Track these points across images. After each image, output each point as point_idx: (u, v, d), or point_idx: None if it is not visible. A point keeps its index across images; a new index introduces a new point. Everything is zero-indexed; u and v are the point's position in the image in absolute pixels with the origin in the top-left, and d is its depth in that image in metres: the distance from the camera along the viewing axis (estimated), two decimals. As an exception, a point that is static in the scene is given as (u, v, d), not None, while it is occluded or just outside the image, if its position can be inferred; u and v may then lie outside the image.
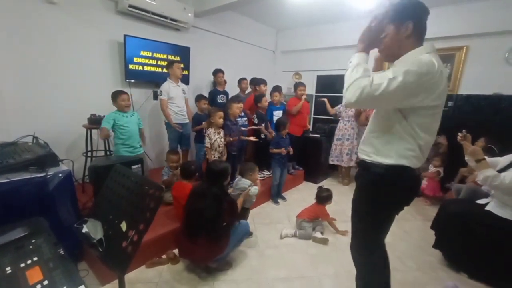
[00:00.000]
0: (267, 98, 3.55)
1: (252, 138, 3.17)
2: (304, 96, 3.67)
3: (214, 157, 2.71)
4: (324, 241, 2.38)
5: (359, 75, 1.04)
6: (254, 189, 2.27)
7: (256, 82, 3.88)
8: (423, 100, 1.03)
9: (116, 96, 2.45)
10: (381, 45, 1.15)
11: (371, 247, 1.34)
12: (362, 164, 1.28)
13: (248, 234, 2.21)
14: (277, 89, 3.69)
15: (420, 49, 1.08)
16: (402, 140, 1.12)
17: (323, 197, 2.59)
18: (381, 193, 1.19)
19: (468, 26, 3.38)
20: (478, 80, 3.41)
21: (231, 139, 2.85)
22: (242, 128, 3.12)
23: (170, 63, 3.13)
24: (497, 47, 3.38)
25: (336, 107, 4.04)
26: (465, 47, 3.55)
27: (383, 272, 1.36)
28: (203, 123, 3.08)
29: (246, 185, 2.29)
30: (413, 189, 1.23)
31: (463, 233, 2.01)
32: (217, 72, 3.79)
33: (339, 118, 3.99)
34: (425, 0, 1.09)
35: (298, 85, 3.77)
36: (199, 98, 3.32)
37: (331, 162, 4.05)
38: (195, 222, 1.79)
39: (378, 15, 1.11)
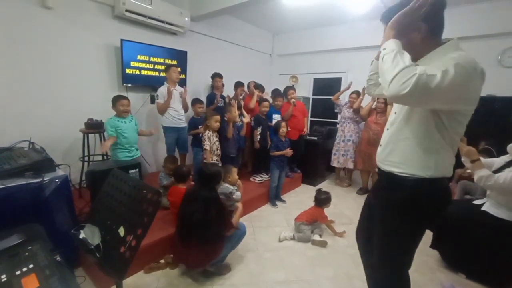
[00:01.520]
0: (267, 104, 3.55)
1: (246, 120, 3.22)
2: (293, 100, 3.70)
3: (212, 160, 2.71)
4: (323, 244, 2.38)
5: (408, 63, 0.83)
6: (237, 196, 2.27)
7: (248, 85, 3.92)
8: (467, 104, 0.91)
9: (115, 100, 2.46)
10: (407, 37, 0.98)
11: (400, 272, 1.20)
12: (389, 177, 1.11)
13: (245, 235, 2.19)
14: (280, 94, 3.71)
15: (448, 47, 0.95)
16: (443, 149, 0.99)
17: (322, 199, 2.60)
18: (418, 209, 1.05)
19: (460, 29, 3.43)
20: (472, 82, 3.46)
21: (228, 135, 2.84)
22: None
23: (167, 67, 3.14)
24: (490, 50, 3.44)
25: (340, 101, 4.02)
26: (458, 50, 3.61)
27: None
28: (200, 127, 3.08)
29: (228, 190, 2.29)
30: (449, 199, 1.10)
31: (460, 233, 2.02)
32: (215, 76, 3.80)
33: (337, 112, 4.04)
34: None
35: (288, 89, 3.82)
36: (194, 102, 3.33)
37: (332, 164, 4.04)
38: (187, 226, 1.79)
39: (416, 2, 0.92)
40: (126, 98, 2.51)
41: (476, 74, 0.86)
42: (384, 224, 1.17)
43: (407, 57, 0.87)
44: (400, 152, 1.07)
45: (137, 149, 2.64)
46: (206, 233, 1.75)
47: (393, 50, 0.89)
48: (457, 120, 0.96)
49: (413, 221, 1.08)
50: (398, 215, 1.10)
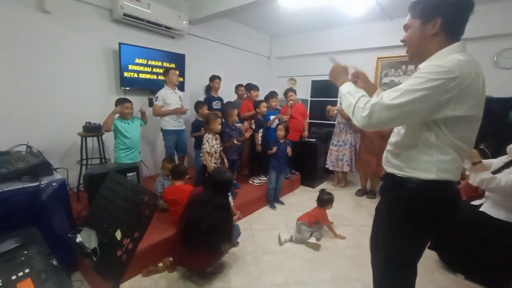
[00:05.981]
0: (265, 104, 3.57)
1: (248, 131, 3.23)
2: (291, 102, 3.71)
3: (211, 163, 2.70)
4: (316, 247, 2.37)
5: (356, 98, 0.96)
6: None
7: (248, 88, 3.94)
8: (456, 110, 0.88)
9: (119, 103, 2.50)
10: (422, 26, 0.97)
11: (404, 275, 1.20)
12: (391, 178, 1.12)
13: (239, 235, 2.20)
14: (273, 94, 3.73)
15: (448, 49, 0.93)
16: (442, 152, 0.97)
17: (324, 200, 2.60)
18: (421, 211, 1.03)
19: (457, 31, 3.47)
20: (468, 83, 3.48)
21: (236, 141, 2.86)
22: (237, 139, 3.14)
23: (166, 71, 3.15)
24: (486, 51, 3.46)
25: (333, 111, 3.99)
26: (455, 52, 3.64)
27: None
28: (203, 129, 3.08)
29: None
30: (456, 204, 1.06)
31: (458, 234, 2.02)
32: (214, 78, 3.82)
33: (334, 121, 4.03)
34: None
35: (287, 92, 3.84)
36: (200, 104, 3.34)
37: (326, 166, 4.07)
38: (194, 231, 1.77)
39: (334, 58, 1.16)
40: (129, 101, 2.57)
41: (456, 81, 0.84)
42: (382, 225, 1.19)
43: (358, 95, 0.98)
44: (400, 154, 1.07)
45: (139, 152, 2.66)
46: (215, 238, 1.76)
47: (344, 93, 1.04)
48: (457, 125, 0.92)
49: (412, 221, 1.06)
50: (398, 215, 1.10)
